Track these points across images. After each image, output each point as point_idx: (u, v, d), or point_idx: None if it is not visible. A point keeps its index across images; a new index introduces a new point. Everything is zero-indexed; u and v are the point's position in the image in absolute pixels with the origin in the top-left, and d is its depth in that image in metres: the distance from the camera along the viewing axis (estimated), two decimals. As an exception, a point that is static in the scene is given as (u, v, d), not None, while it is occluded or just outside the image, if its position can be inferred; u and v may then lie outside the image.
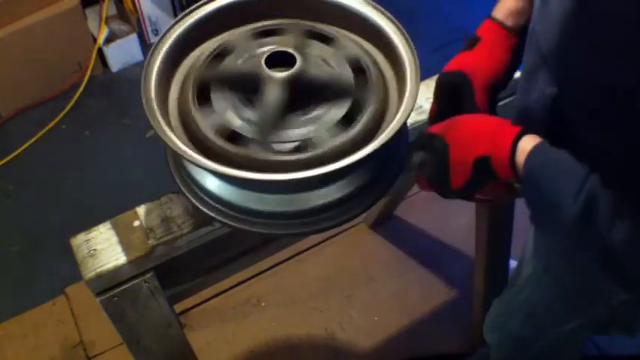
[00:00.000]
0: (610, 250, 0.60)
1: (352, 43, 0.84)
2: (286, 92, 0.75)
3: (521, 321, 1.05)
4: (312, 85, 0.78)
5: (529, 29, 0.73)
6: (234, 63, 0.81)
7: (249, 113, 0.77)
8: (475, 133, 0.71)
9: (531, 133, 0.68)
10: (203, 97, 0.78)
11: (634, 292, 0.77)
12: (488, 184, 0.71)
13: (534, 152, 0.66)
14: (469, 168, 0.70)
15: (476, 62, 0.80)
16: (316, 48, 0.82)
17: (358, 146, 0.72)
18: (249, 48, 0.82)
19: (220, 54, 0.82)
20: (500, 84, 0.82)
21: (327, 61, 0.81)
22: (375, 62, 0.82)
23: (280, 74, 0.75)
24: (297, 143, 0.75)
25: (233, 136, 0.74)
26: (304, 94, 0.77)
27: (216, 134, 0.74)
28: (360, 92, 0.78)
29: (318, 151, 0.73)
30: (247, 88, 0.78)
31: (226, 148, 0.73)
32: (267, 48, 0.80)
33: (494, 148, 0.69)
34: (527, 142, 0.67)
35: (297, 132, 0.76)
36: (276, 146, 0.74)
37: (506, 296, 1.10)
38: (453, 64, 0.81)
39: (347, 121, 0.76)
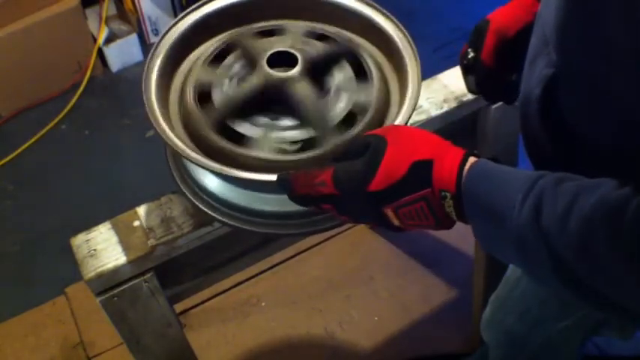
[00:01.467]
0: (563, 260, 0.54)
1: (352, 43, 0.84)
2: (309, 83, 0.76)
3: (517, 317, 1.05)
4: (321, 63, 0.77)
5: (537, 13, 0.73)
6: (234, 63, 0.81)
7: (253, 113, 0.77)
8: (420, 138, 0.67)
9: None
10: (204, 95, 0.78)
11: (598, 309, 0.73)
12: (413, 196, 0.62)
13: (480, 162, 0.62)
14: (403, 169, 0.62)
15: (499, 12, 0.83)
16: (316, 48, 0.82)
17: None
18: (253, 46, 0.82)
19: (219, 55, 0.82)
20: (510, 38, 0.81)
21: (328, 70, 0.81)
22: (375, 62, 0.82)
23: (283, 74, 0.75)
24: (299, 144, 0.75)
25: (238, 137, 0.74)
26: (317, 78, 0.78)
27: (217, 134, 0.74)
28: (360, 91, 0.78)
29: (319, 151, 0.73)
30: (249, 88, 0.78)
31: (228, 147, 0.73)
32: (268, 48, 0.79)
33: (440, 154, 0.64)
34: (473, 158, 0.63)
35: (298, 132, 0.76)
36: (278, 146, 0.74)
37: (501, 293, 1.10)
38: (491, 14, 0.85)
39: (348, 121, 0.76)
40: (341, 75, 0.80)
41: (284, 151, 0.74)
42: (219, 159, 0.71)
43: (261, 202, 0.77)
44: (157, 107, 0.76)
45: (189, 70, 0.82)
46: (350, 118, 0.77)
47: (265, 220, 0.78)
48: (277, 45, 0.80)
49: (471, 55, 0.83)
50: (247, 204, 0.78)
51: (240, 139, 0.74)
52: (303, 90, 0.76)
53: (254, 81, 0.77)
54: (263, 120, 0.77)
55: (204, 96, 0.78)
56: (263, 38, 0.84)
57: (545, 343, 1.04)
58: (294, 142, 0.75)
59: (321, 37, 0.84)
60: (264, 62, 0.77)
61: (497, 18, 0.82)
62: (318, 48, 0.82)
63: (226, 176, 0.71)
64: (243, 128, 0.75)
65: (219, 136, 0.74)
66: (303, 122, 0.76)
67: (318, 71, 0.79)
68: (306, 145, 0.74)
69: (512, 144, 1.14)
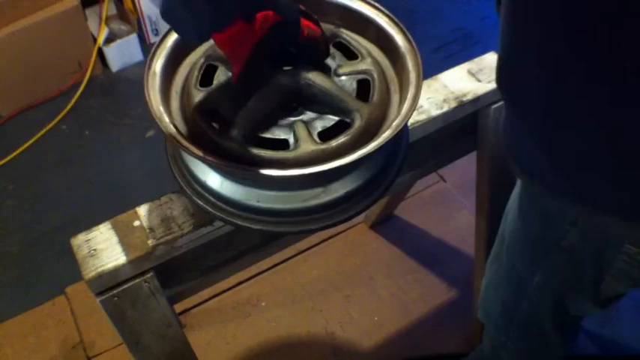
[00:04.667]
0: None
1: (353, 43, 0.84)
2: (280, 92, 0.76)
3: (505, 282, 1.05)
4: (309, 91, 0.77)
5: None
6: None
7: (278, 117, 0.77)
8: None
9: None
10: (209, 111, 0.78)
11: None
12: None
13: None
14: None
15: None
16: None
17: (359, 145, 0.72)
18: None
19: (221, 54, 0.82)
20: None
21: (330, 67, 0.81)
22: (376, 62, 0.82)
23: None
24: (293, 141, 0.75)
25: (239, 136, 0.74)
26: (298, 98, 0.77)
27: (218, 132, 0.74)
28: (355, 110, 0.78)
29: (358, 124, 0.73)
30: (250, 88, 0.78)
31: (230, 146, 0.73)
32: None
33: None
34: None
35: (330, 118, 0.76)
36: (279, 144, 0.74)
37: (493, 267, 1.10)
38: None
39: (348, 121, 0.76)
40: (333, 57, 0.81)
41: (282, 150, 0.74)
42: (221, 155, 0.71)
43: (260, 199, 0.77)
44: (158, 106, 0.75)
45: (189, 72, 0.82)
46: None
47: (265, 217, 0.78)
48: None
49: None
50: (248, 201, 0.78)
51: (272, 144, 0.74)
52: (318, 78, 0.76)
53: (271, 90, 0.76)
54: (288, 120, 0.77)
55: (207, 107, 0.78)
56: None
57: (529, 307, 1.04)
58: (329, 129, 0.75)
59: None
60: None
61: None
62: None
63: (231, 172, 0.71)
64: (274, 133, 0.75)
65: (230, 139, 0.73)
66: (327, 108, 0.77)
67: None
68: (338, 128, 0.75)
69: (513, 144, 1.14)
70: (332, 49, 0.82)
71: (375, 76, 0.79)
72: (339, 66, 0.81)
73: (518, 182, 0.95)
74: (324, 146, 0.73)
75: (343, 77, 0.80)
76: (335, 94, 0.76)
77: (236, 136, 0.73)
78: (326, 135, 0.75)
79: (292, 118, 0.77)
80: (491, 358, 1.23)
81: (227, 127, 0.75)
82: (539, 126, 0.75)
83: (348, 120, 0.76)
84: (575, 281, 0.93)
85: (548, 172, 0.77)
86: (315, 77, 0.77)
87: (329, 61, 0.81)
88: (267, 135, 0.75)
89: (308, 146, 0.73)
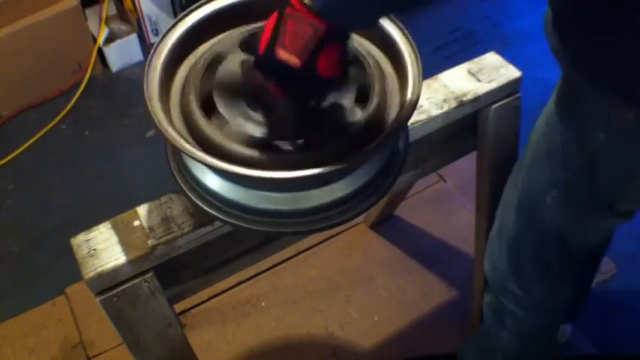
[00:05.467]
0: None
1: (353, 43, 0.84)
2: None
3: (514, 220, 1.05)
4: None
5: None
6: (234, 64, 0.81)
7: (255, 113, 0.77)
8: None
9: None
10: (206, 94, 0.78)
11: None
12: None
13: None
14: None
15: None
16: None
17: (359, 146, 0.72)
18: (249, 48, 0.82)
19: (220, 54, 0.82)
20: None
21: None
22: (376, 62, 0.82)
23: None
24: (301, 141, 0.75)
25: (240, 136, 0.74)
26: (308, 92, 0.78)
27: (219, 133, 0.74)
28: (360, 80, 0.78)
29: (319, 150, 0.73)
30: (250, 87, 0.78)
31: (230, 147, 0.73)
32: None
33: None
34: None
35: (309, 126, 0.76)
36: (280, 144, 0.74)
37: (501, 211, 1.10)
38: None
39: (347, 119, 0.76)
40: None
41: (284, 150, 0.74)
42: (221, 157, 0.72)
43: (260, 200, 0.77)
44: (158, 106, 0.75)
45: (189, 72, 0.82)
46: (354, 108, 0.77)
47: (265, 218, 0.78)
48: None
49: None
50: (248, 202, 0.78)
51: (248, 139, 0.74)
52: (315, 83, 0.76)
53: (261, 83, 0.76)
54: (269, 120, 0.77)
55: (207, 102, 0.78)
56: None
57: (535, 243, 1.04)
58: (304, 140, 0.75)
59: None
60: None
61: None
62: None
63: (231, 174, 0.71)
64: (254, 130, 0.75)
65: (230, 140, 0.73)
66: (320, 115, 0.77)
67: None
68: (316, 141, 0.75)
69: (512, 144, 1.14)
70: None
71: (376, 86, 0.78)
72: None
73: (551, 99, 0.95)
74: (321, 148, 0.73)
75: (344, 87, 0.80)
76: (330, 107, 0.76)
77: (232, 133, 0.73)
78: (325, 136, 0.75)
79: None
80: (493, 329, 1.23)
81: (225, 125, 0.75)
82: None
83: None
84: (590, 194, 0.93)
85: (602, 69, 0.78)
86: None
87: None
88: (260, 135, 0.75)
89: (308, 147, 0.73)
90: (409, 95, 0.76)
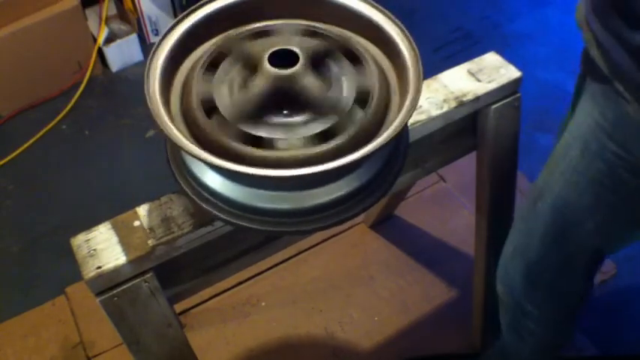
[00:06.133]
0: None
1: (351, 40, 0.84)
2: (272, 89, 0.76)
3: (542, 234, 1.03)
4: (302, 95, 0.77)
5: None
6: (235, 64, 0.81)
7: (267, 115, 0.77)
8: None
9: None
10: (208, 102, 0.78)
11: None
12: None
13: None
14: None
15: None
16: (317, 45, 0.83)
17: (360, 145, 0.72)
18: (249, 47, 0.82)
19: (221, 54, 0.82)
20: None
21: (328, 65, 0.81)
22: (377, 62, 0.82)
23: (286, 72, 0.76)
24: (296, 140, 0.75)
25: (241, 136, 0.75)
26: (291, 98, 0.77)
27: (219, 132, 0.74)
28: (359, 75, 0.78)
29: (319, 149, 0.73)
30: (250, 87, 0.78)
31: (230, 146, 0.73)
32: (269, 47, 0.79)
33: None
34: None
35: (316, 125, 0.76)
36: (280, 143, 0.74)
37: (518, 229, 1.09)
38: None
39: (350, 119, 0.76)
40: (338, 65, 0.81)
41: (297, 148, 0.74)
42: (222, 155, 0.71)
43: (261, 199, 0.77)
44: (160, 106, 0.75)
45: (190, 72, 0.82)
46: (355, 108, 0.77)
47: (265, 218, 0.78)
48: (275, 44, 0.80)
49: None
50: (249, 201, 0.78)
51: (257, 141, 0.74)
52: (312, 83, 0.76)
53: (261, 83, 0.76)
54: (276, 120, 0.77)
55: (207, 101, 0.78)
56: (258, 39, 0.84)
57: (563, 263, 1.03)
58: (313, 136, 0.75)
59: (317, 34, 0.84)
60: (266, 62, 0.77)
61: None
62: (315, 44, 0.82)
63: (232, 173, 0.71)
64: (259, 131, 0.75)
65: (229, 138, 0.73)
66: (316, 115, 0.76)
67: (317, 65, 0.80)
68: (323, 137, 0.75)
69: (512, 144, 1.14)
70: (339, 55, 0.82)
71: (376, 88, 0.78)
72: (342, 75, 0.80)
73: (580, 121, 0.94)
74: (323, 147, 0.73)
75: (344, 84, 0.79)
76: (326, 105, 0.76)
77: (223, 124, 0.73)
78: (326, 136, 0.75)
79: (289, 119, 0.77)
80: (512, 344, 1.23)
81: (222, 120, 0.75)
82: None
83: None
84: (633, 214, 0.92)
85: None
86: (310, 84, 0.76)
87: (333, 66, 0.81)
88: (265, 134, 0.75)
89: (307, 147, 0.73)
90: (409, 96, 0.76)
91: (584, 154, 0.93)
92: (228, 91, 0.79)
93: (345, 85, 0.79)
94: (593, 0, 0.82)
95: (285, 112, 0.78)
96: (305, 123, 0.77)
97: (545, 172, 1.03)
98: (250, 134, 0.74)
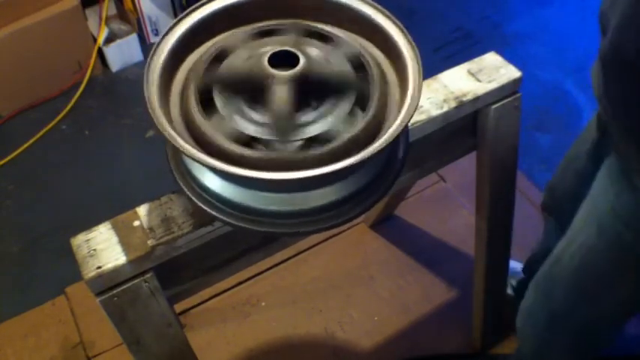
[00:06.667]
0: None
1: (353, 43, 0.84)
2: (293, 91, 0.75)
3: (567, 294, 1.05)
4: (317, 82, 0.77)
5: None
6: (235, 65, 0.81)
7: (254, 113, 0.77)
8: None
9: None
10: (205, 95, 0.78)
11: None
12: None
13: None
14: None
15: None
16: (317, 48, 0.83)
17: (358, 148, 0.72)
18: (249, 48, 0.82)
19: (220, 55, 0.82)
20: None
21: (328, 60, 0.81)
22: (376, 62, 0.82)
23: (286, 73, 0.75)
24: (300, 142, 0.75)
25: (241, 137, 0.74)
26: (308, 92, 0.77)
27: (219, 134, 0.74)
28: (362, 86, 0.78)
29: (319, 151, 0.73)
30: (249, 88, 0.78)
31: (229, 148, 0.73)
32: (269, 47, 0.80)
33: None
34: None
35: (304, 131, 0.76)
36: (279, 145, 0.74)
37: (552, 270, 1.09)
38: None
39: (348, 120, 0.76)
40: (340, 69, 0.81)
41: (296, 150, 0.74)
42: (222, 158, 0.71)
43: (261, 201, 0.77)
44: (158, 107, 0.75)
45: (190, 70, 0.82)
46: (355, 110, 0.77)
47: (265, 219, 0.78)
48: (277, 45, 0.80)
49: None
50: (247, 203, 0.78)
51: (247, 140, 0.74)
52: (285, 93, 0.76)
53: (280, 90, 0.76)
54: (277, 119, 0.77)
55: (206, 93, 0.78)
56: (261, 39, 0.84)
57: (588, 322, 1.04)
58: (305, 140, 0.75)
59: (319, 35, 0.84)
60: (265, 62, 0.77)
61: None
62: (316, 45, 0.82)
63: (231, 175, 0.71)
64: (253, 130, 0.75)
65: (228, 139, 0.73)
66: (318, 116, 0.77)
67: (317, 67, 0.80)
68: (318, 141, 0.74)
69: (512, 144, 1.14)
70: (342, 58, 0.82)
71: (377, 87, 0.78)
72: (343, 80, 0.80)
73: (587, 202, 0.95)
74: (322, 149, 0.73)
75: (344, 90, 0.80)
76: (345, 78, 0.77)
77: (216, 121, 0.73)
78: (323, 137, 0.75)
79: (306, 116, 0.77)
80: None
81: (225, 124, 0.75)
82: None
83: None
84: None
85: None
86: (282, 89, 0.76)
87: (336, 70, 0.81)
88: (245, 131, 0.75)
89: (307, 149, 0.73)
90: (409, 96, 0.76)
91: (600, 236, 0.94)
92: (230, 91, 0.79)
93: (344, 93, 0.79)
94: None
95: (313, 104, 0.78)
96: (305, 125, 0.76)
97: (564, 241, 1.05)
98: (246, 135, 0.74)
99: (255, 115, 0.77)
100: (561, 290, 1.06)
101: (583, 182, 1.01)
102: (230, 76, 0.80)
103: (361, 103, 0.78)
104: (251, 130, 0.75)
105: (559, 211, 1.28)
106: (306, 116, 0.77)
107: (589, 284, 1.00)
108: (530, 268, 1.49)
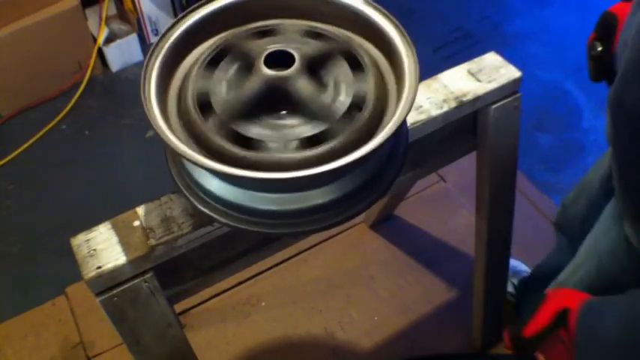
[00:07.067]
0: None
1: (351, 42, 0.84)
2: (265, 91, 0.75)
3: None
4: (295, 96, 0.77)
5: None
6: (232, 64, 0.81)
7: (260, 116, 0.77)
8: None
9: None
10: (204, 100, 0.78)
11: None
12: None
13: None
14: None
15: (623, 6, 0.91)
16: (314, 47, 0.82)
17: (355, 147, 0.72)
18: (247, 47, 0.82)
19: (219, 55, 0.82)
20: None
21: (325, 60, 0.81)
22: (374, 62, 0.82)
23: (281, 73, 0.75)
24: (297, 142, 0.75)
25: (239, 138, 0.74)
26: (285, 100, 0.77)
27: (216, 134, 0.74)
28: (359, 87, 0.78)
29: (316, 150, 0.73)
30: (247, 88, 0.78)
31: (227, 148, 0.73)
32: (266, 47, 0.79)
33: None
34: None
35: (306, 128, 0.76)
36: (276, 146, 0.74)
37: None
38: (614, 7, 0.92)
39: (347, 120, 0.76)
40: (337, 69, 0.81)
41: (293, 150, 0.74)
42: (219, 158, 0.71)
43: (260, 201, 0.77)
44: (156, 107, 0.75)
45: (187, 73, 0.82)
46: (351, 110, 0.77)
47: (264, 219, 0.78)
48: (273, 45, 0.80)
49: (600, 48, 0.91)
50: (247, 203, 0.78)
51: (247, 141, 0.74)
52: (305, 86, 0.76)
53: (253, 83, 0.77)
54: (268, 121, 0.77)
55: (203, 101, 0.78)
56: (259, 39, 0.84)
57: None
58: (303, 140, 0.75)
59: (318, 35, 0.84)
60: (261, 63, 0.77)
61: (624, 11, 0.86)
62: (314, 46, 0.82)
63: (227, 176, 0.71)
64: (249, 131, 0.75)
65: (226, 140, 0.73)
66: (309, 118, 0.76)
67: (314, 67, 0.79)
68: (314, 141, 0.74)
69: (512, 144, 1.14)
70: (340, 58, 0.82)
71: (373, 92, 0.78)
72: (340, 78, 0.80)
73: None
74: (317, 150, 0.73)
75: (341, 88, 0.79)
76: (318, 109, 0.76)
77: (214, 122, 0.73)
78: (320, 139, 0.75)
79: (285, 121, 0.77)
80: None
81: (217, 121, 0.75)
82: None
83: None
84: None
85: None
86: (303, 88, 0.76)
87: (331, 69, 0.81)
88: (241, 130, 0.75)
89: (302, 149, 0.73)
90: (406, 95, 0.76)
91: (599, 273, 0.95)
92: (225, 91, 0.79)
93: (343, 89, 0.79)
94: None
95: (282, 112, 0.78)
96: (300, 125, 0.76)
97: (570, 267, 1.05)
98: (244, 135, 0.74)
99: (253, 115, 0.77)
100: None
101: (594, 210, 1.01)
102: (228, 76, 0.80)
103: (358, 103, 0.78)
104: (248, 130, 0.75)
105: (571, 230, 1.28)
106: (300, 118, 0.77)
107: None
108: (533, 280, 1.49)
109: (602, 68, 0.92)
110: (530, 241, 1.68)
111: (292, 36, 0.83)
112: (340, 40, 0.83)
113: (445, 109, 1.00)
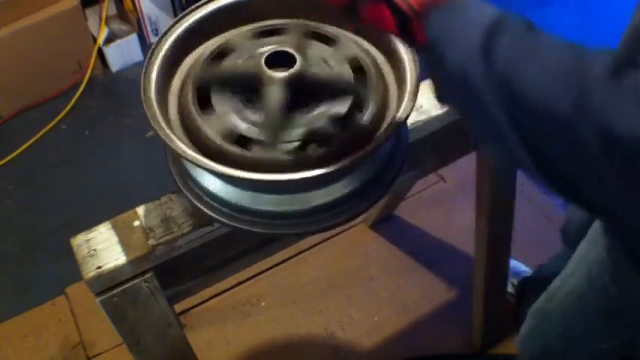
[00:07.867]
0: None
1: (352, 43, 0.84)
2: (286, 92, 0.75)
3: (558, 334, 1.06)
4: (313, 84, 0.77)
5: None
6: (233, 64, 0.81)
7: (251, 114, 0.76)
8: None
9: None
10: (203, 96, 0.78)
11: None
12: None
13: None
14: None
15: None
16: (316, 48, 0.83)
17: (357, 147, 0.72)
18: (248, 48, 0.82)
19: (220, 54, 0.82)
20: None
21: (326, 61, 0.81)
22: (375, 62, 0.82)
23: (280, 74, 0.75)
24: (297, 143, 0.74)
25: (238, 138, 0.74)
26: (304, 94, 0.77)
27: (216, 134, 0.74)
28: (360, 90, 0.78)
29: (316, 152, 0.73)
30: (247, 88, 0.78)
31: (227, 148, 0.73)
32: (267, 48, 0.79)
33: None
34: None
35: (297, 132, 0.75)
36: (275, 146, 0.74)
37: (544, 306, 1.10)
38: None
39: (346, 120, 0.76)
40: (338, 66, 0.81)
41: (280, 151, 0.74)
42: (219, 159, 0.71)
43: (261, 202, 0.77)
44: (156, 108, 0.76)
45: (189, 70, 0.82)
46: (348, 118, 0.77)
47: (265, 220, 0.78)
48: (276, 45, 0.80)
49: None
50: (247, 204, 0.78)
51: (245, 141, 0.74)
52: (279, 94, 0.75)
53: (274, 91, 0.76)
54: (269, 121, 0.77)
55: (204, 95, 0.78)
56: (261, 39, 0.84)
57: None
58: (301, 142, 0.75)
59: (322, 37, 0.84)
60: (262, 63, 0.76)
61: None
62: (314, 46, 0.82)
63: (227, 177, 0.71)
64: (248, 130, 0.75)
65: (223, 139, 0.73)
66: (330, 98, 0.77)
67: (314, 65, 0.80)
68: (313, 143, 0.74)
69: (512, 144, 1.14)
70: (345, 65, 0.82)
71: (375, 87, 0.78)
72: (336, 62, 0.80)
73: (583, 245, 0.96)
74: (319, 150, 0.73)
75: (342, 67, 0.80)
76: (340, 83, 0.76)
77: (214, 122, 0.73)
78: (320, 139, 0.75)
79: (313, 113, 0.77)
80: None
81: (222, 125, 0.75)
82: None
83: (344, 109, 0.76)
84: None
85: None
86: (317, 73, 0.76)
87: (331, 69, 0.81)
88: (257, 137, 0.75)
89: (304, 150, 0.73)
90: (407, 95, 0.76)
91: (589, 283, 0.94)
92: (229, 92, 0.79)
93: (343, 68, 0.79)
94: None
95: (310, 106, 0.77)
96: (330, 107, 0.76)
97: (559, 278, 1.05)
98: (242, 135, 0.74)
99: (252, 116, 0.77)
100: (552, 330, 1.07)
101: (591, 219, 1.01)
102: (227, 76, 0.80)
103: (359, 104, 0.78)
104: (248, 130, 0.75)
105: (572, 238, 1.28)
106: (302, 117, 0.77)
107: (578, 330, 1.01)
108: (534, 281, 1.49)
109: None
110: (531, 241, 1.68)
111: (294, 37, 0.83)
112: (342, 41, 0.83)
113: (445, 109, 1.00)
